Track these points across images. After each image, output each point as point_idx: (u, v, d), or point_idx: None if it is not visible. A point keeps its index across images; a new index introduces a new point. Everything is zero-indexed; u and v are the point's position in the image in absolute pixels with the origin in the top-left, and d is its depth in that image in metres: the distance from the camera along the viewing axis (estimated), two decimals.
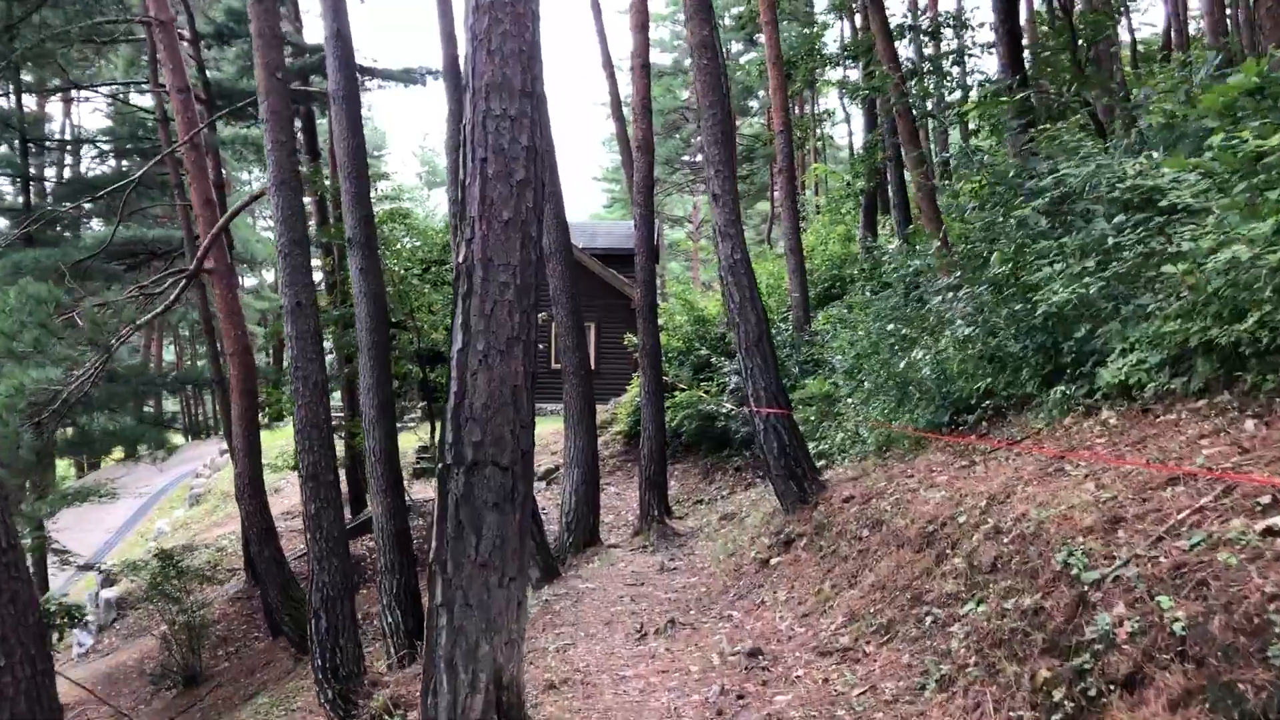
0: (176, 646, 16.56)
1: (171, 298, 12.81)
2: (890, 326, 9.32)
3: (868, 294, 19.03)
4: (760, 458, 8.52)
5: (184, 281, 12.80)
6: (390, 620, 12.44)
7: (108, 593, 20.19)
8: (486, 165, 4.40)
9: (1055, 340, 6.51)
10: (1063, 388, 6.31)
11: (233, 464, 14.74)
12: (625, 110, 21.66)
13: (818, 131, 34.31)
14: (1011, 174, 6.98)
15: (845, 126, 37.23)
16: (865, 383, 9.72)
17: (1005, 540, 4.88)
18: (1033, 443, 6.35)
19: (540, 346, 19.62)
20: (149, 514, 25.86)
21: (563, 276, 15.27)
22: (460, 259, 4.43)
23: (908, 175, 15.79)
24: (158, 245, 20.23)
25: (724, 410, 18.29)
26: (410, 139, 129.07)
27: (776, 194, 23.38)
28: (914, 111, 12.57)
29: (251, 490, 14.48)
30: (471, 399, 4.32)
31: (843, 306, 19.35)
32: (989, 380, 7.05)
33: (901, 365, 9.15)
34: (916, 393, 8.55)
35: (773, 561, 7.88)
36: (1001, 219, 7.14)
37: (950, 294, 7.06)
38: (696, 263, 48.71)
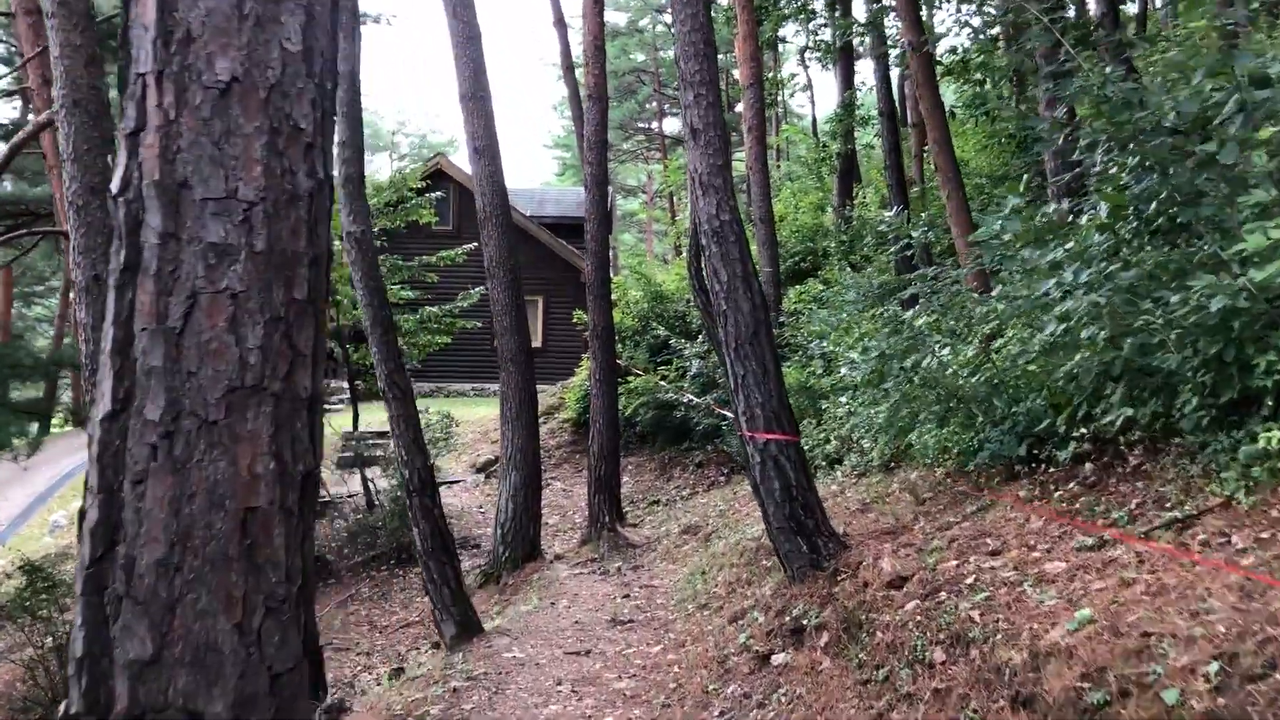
0: (46, 675, 13.65)
1: None
2: (924, 320, 6.67)
3: (847, 269, 16.44)
4: (759, 501, 5.82)
5: None
6: None
7: None
8: None
9: (1241, 353, 3.95)
10: (1273, 432, 3.73)
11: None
12: (579, 73, 18.86)
13: (779, 96, 31.55)
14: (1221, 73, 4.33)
15: (808, 94, 34.61)
16: (885, 387, 7.07)
17: None
18: (1222, 523, 3.76)
19: (479, 325, 16.83)
20: (48, 503, 22.78)
21: (499, 245, 12.49)
22: (116, 186, 1.70)
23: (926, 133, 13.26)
24: (42, 205, 17.08)
25: (684, 400, 15.66)
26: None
27: (743, 157, 20.85)
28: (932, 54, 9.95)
29: None
30: (133, 548, 1.61)
31: (818, 282, 16.79)
32: (1129, 408, 4.43)
33: (933, 367, 6.53)
34: (975, 410, 5.92)
35: (775, 660, 5.25)
36: (1145, 165, 4.56)
37: (1068, 272, 4.44)
38: (650, 235, 45.88)
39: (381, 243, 17.46)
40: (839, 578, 5.32)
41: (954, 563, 4.57)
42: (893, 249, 11.61)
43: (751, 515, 11.23)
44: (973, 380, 6.17)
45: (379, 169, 64.31)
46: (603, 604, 9.38)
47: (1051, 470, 5.27)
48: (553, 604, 9.49)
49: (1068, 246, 4.59)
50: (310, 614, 7.75)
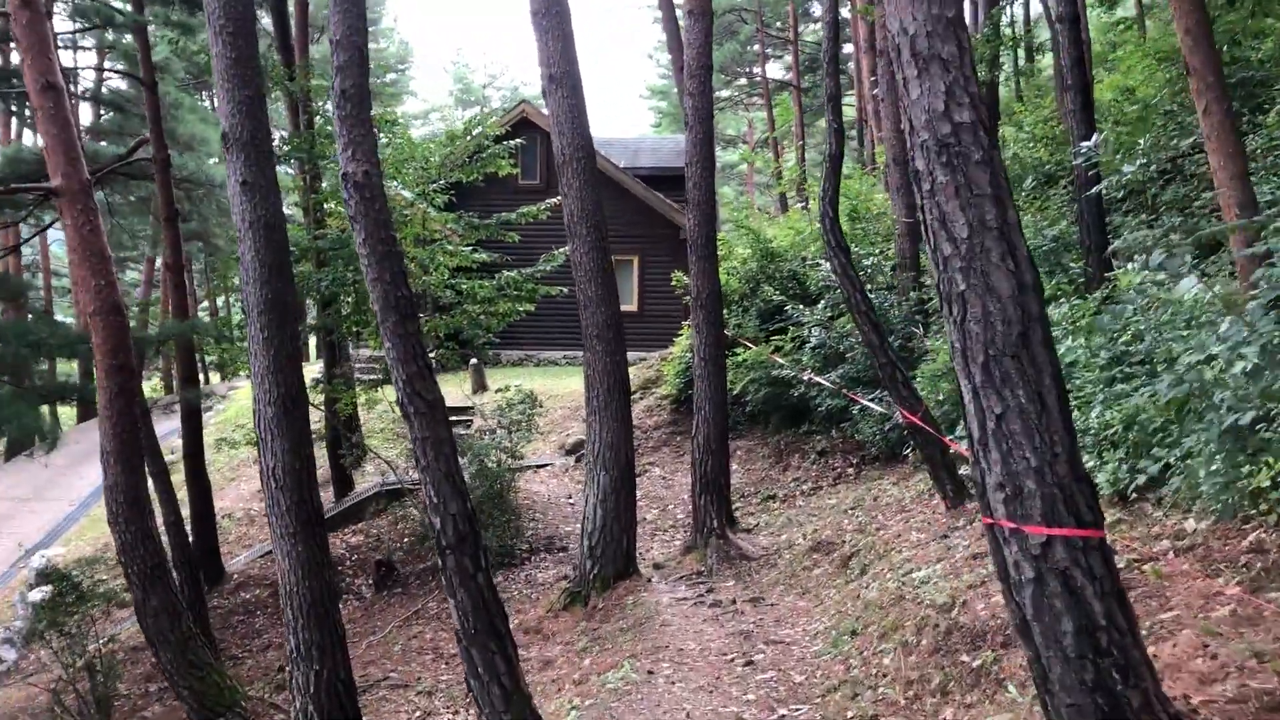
0: (78, 696, 11.70)
1: None
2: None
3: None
4: (1029, 648, 2.97)
5: None
6: None
7: (36, 594, 15.43)
8: None
9: None
10: None
11: (103, 472, 9.63)
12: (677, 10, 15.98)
13: None
14: None
15: None
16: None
17: None
18: None
19: (564, 290, 14.17)
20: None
21: (582, 195, 9.85)
22: None
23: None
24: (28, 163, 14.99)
25: (806, 379, 12.86)
26: (442, 55, 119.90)
27: (865, 88, 17.72)
28: None
29: (129, 511, 9.39)
30: None
31: None
32: None
33: None
34: None
35: None
36: None
37: None
38: (752, 187, 42.60)
39: (450, 198, 14.99)
40: None
41: None
42: (1089, 190, 8.60)
43: (905, 538, 8.47)
44: None
45: None
46: (718, 675, 6.77)
47: None
48: (650, 674, 6.91)
49: None
50: (344, 660, 5.18)
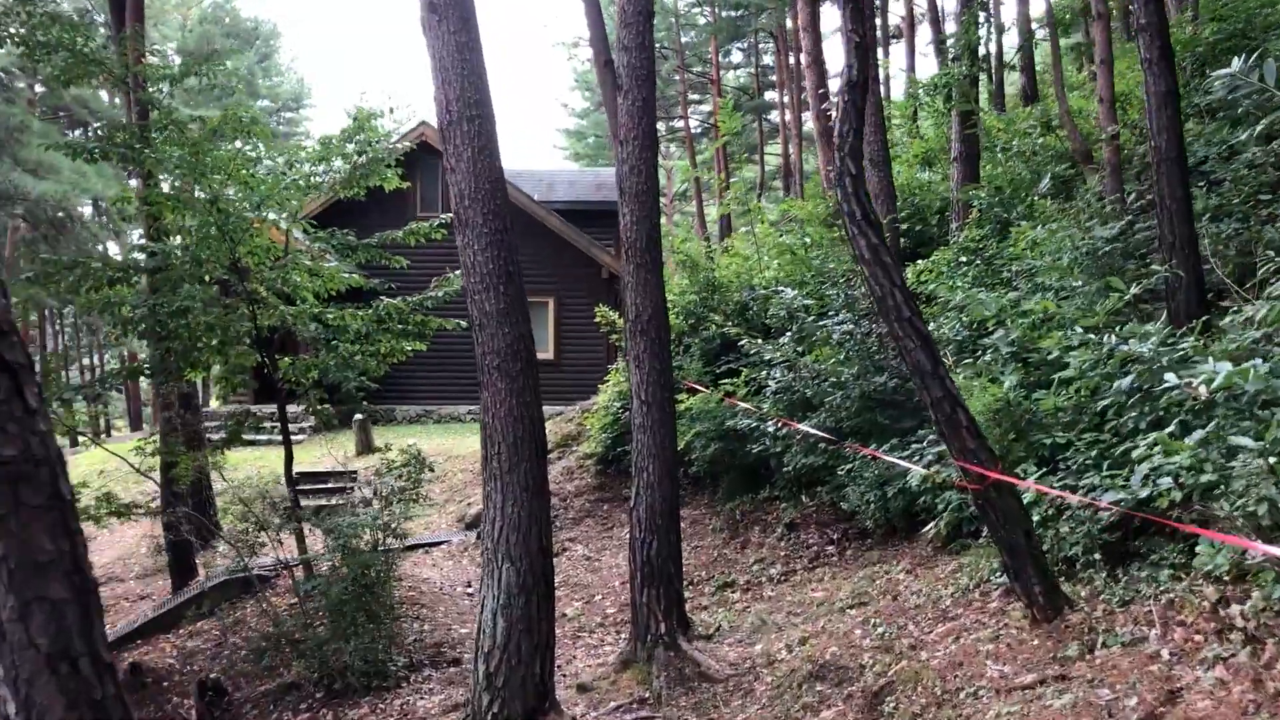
0: None
1: None
2: None
3: (1037, 226, 10.39)
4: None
5: None
6: None
7: None
8: None
9: None
10: None
11: None
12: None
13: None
14: None
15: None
16: None
17: None
18: None
19: (462, 325, 10.79)
20: None
21: (474, 168, 6.61)
22: None
23: None
24: None
25: (769, 429, 9.71)
26: (344, 96, 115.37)
27: (810, 109, 15.15)
28: None
29: None
30: None
31: (949, 252, 10.83)
32: None
33: None
34: None
35: None
36: None
37: None
38: (671, 235, 39.70)
39: (311, 223, 11.58)
40: None
41: None
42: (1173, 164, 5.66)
43: (975, 670, 5.25)
44: None
45: None
46: None
47: None
48: None
49: None
50: None
